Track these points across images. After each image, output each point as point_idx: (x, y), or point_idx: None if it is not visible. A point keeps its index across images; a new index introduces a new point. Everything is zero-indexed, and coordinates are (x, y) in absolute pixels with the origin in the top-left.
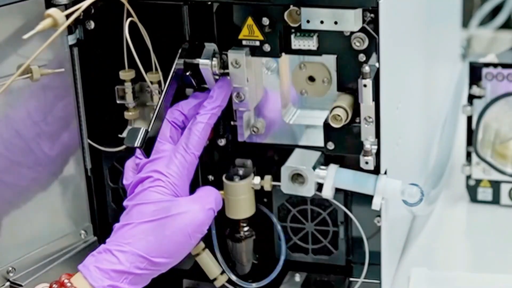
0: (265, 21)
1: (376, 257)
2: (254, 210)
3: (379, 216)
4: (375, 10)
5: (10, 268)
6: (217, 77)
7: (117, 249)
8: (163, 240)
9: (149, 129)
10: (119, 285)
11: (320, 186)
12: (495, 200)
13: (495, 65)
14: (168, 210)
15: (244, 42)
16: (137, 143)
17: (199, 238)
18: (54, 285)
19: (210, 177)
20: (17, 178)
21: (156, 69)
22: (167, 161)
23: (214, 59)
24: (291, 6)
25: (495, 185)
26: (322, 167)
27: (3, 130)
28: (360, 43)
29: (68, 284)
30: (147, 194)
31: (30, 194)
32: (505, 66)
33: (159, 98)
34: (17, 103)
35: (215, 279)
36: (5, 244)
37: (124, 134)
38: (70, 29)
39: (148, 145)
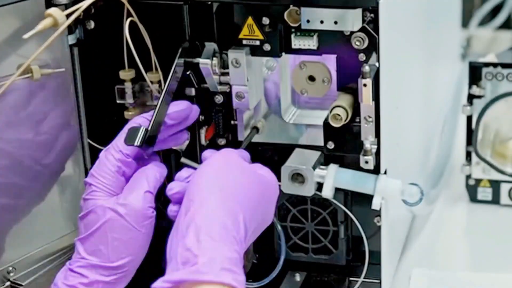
0: (265, 20)
1: (376, 256)
2: None
3: (379, 215)
4: (375, 10)
5: (11, 268)
6: (216, 76)
7: (77, 266)
8: (113, 242)
9: (149, 128)
10: None
11: (320, 186)
12: (495, 200)
13: (494, 65)
14: (105, 213)
15: (244, 42)
16: (137, 142)
17: (149, 224)
18: None
19: None
20: (17, 178)
21: (156, 69)
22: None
23: (214, 58)
24: (291, 6)
25: (495, 185)
26: (322, 166)
27: (3, 130)
28: (360, 42)
29: None
30: (85, 204)
31: (30, 194)
32: (505, 65)
33: (159, 97)
34: (17, 103)
35: None
36: (6, 244)
37: (126, 139)
38: (70, 29)
39: (148, 144)
